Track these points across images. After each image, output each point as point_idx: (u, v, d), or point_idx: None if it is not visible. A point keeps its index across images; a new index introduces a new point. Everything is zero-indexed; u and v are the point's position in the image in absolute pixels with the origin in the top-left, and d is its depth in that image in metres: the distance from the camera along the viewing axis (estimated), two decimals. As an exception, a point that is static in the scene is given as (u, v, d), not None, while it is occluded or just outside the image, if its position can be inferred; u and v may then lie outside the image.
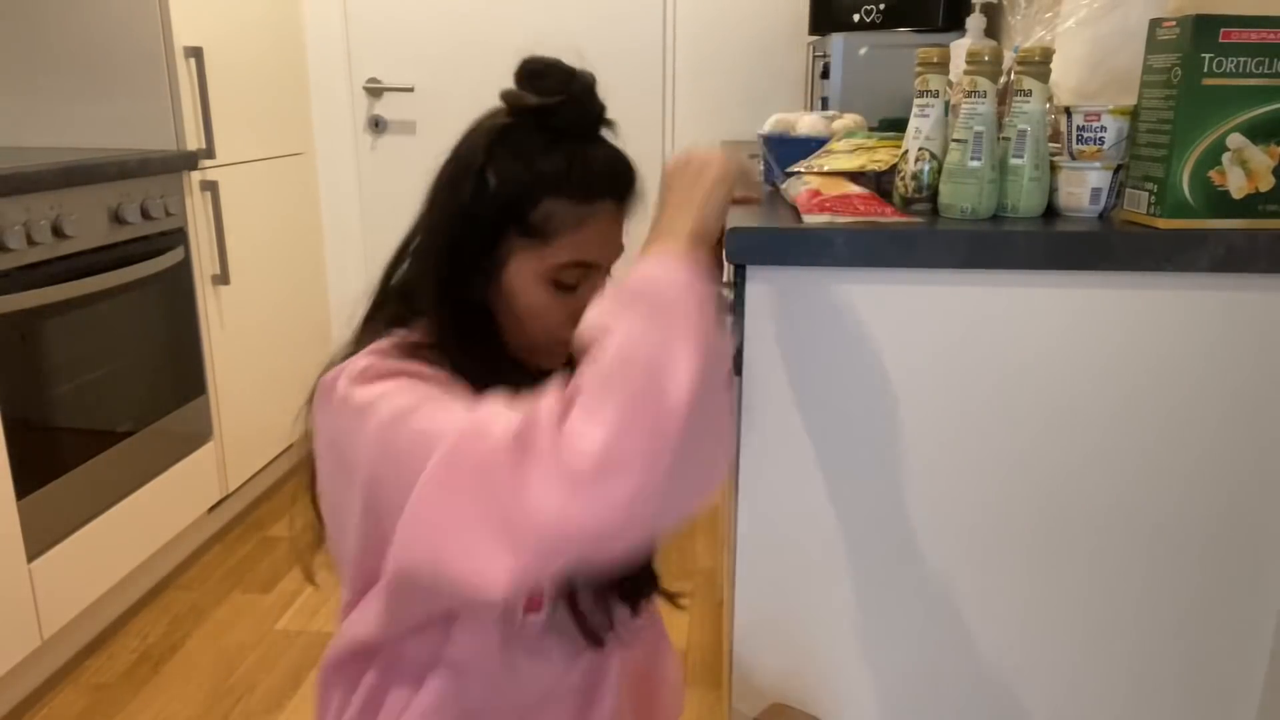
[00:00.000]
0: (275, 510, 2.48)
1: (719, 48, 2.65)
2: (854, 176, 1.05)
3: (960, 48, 1.06)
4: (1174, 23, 0.89)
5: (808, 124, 1.19)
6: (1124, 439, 0.96)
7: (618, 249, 0.88)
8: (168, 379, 2.06)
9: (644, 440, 0.61)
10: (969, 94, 0.94)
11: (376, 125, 2.76)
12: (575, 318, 0.83)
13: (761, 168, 1.26)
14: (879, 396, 0.96)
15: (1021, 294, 0.92)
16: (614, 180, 0.85)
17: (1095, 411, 0.96)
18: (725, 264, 1.00)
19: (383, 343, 0.83)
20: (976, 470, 0.98)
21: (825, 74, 1.99)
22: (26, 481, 1.64)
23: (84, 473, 1.79)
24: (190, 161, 2.10)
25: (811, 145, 1.14)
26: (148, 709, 1.72)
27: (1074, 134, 0.99)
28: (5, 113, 2.13)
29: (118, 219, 1.88)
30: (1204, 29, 0.87)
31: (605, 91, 0.84)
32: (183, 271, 2.09)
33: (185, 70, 2.09)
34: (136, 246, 1.93)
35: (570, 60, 0.83)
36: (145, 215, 1.95)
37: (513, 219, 0.82)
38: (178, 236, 2.07)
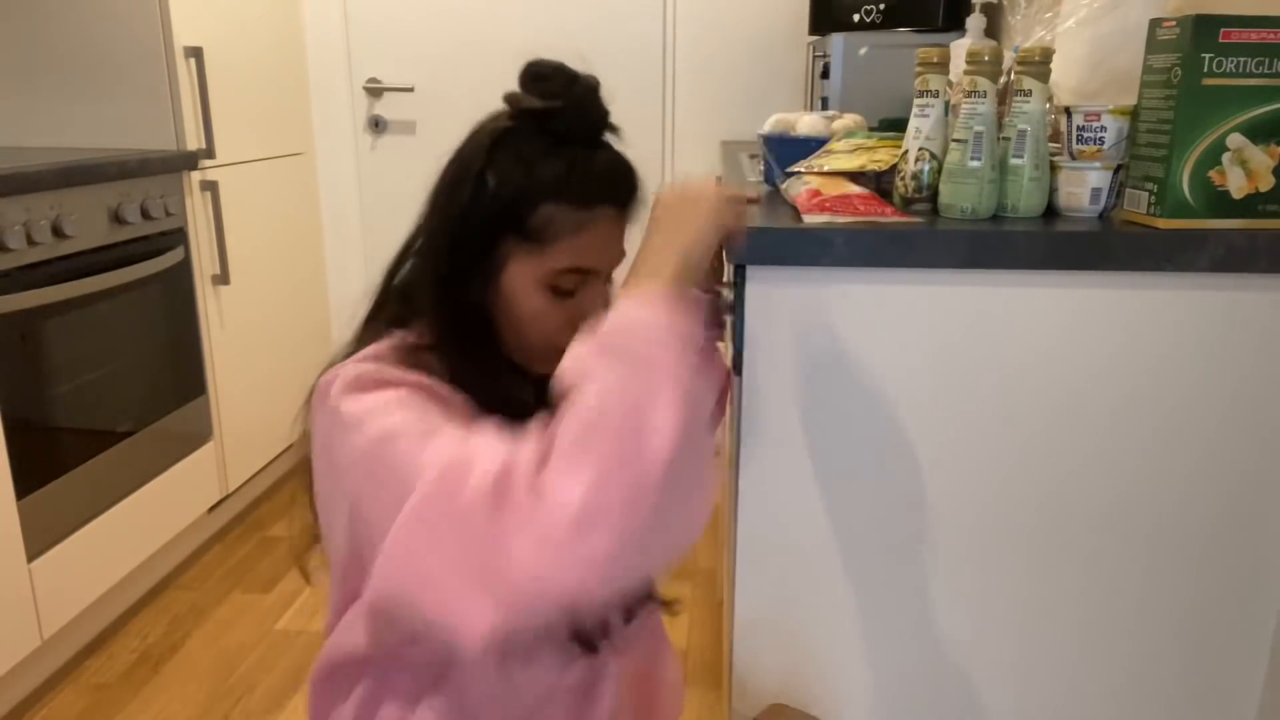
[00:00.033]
0: (275, 510, 2.48)
1: (719, 48, 2.65)
2: (854, 176, 1.05)
3: (960, 48, 1.06)
4: (1174, 23, 0.89)
5: (808, 124, 1.19)
6: (1124, 439, 0.96)
7: (618, 255, 0.88)
8: (168, 379, 2.06)
9: (622, 496, 0.60)
10: (969, 94, 0.94)
11: (376, 125, 2.76)
12: (574, 324, 0.82)
13: (761, 168, 1.26)
14: (879, 396, 0.96)
15: (1021, 294, 0.92)
16: (615, 186, 0.84)
17: (1095, 411, 0.96)
18: (725, 264, 1.00)
19: (381, 345, 0.84)
20: (976, 470, 0.98)
21: (825, 74, 1.99)
22: (26, 481, 1.64)
23: (84, 473, 1.79)
24: (190, 161, 2.10)
25: (811, 145, 1.14)
26: (148, 709, 1.72)
27: (1074, 134, 0.99)
28: (5, 113, 2.13)
29: (118, 219, 1.88)
30: (1204, 29, 0.87)
31: (605, 92, 0.84)
32: (183, 271, 2.09)
33: (185, 70, 2.09)
34: (136, 246, 1.93)
35: (574, 64, 0.83)
36: (145, 215, 1.95)
37: (511, 223, 0.81)
38: (178, 236, 2.07)
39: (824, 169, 1.07)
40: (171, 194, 2.04)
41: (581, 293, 0.85)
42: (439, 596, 0.62)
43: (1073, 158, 1.00)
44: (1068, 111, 1.00)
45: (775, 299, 0.94)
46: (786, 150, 1.15)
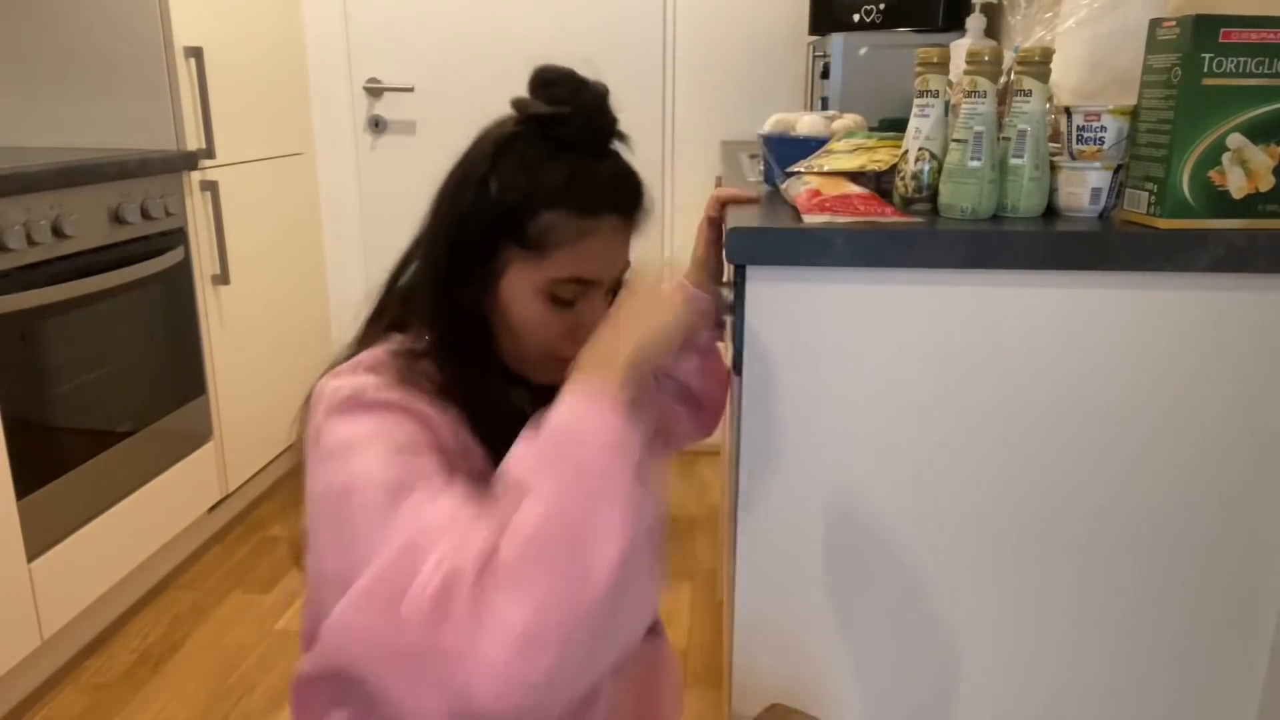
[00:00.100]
0: (275, 510, 2.48)
1: (719, 47, 2.65)
2: (854, 176, 1.05)
3: (960, 48, 1.06)
4: (1174, 23, 0.89)
5: (808, 124, 1.19)
6: (1124, 438, 0.96)
7: (620, 266, 0.87)
8: (168, 379, 2.07)
9: (564, 621, 0.60)
10: (969, 94, 0.94)
11: (376, 125, 2.76)
12: (572, 334, 0.82)
13: (761, 168, 1.26)
14: (879, 397, 0.96)
15: (1021, 294, 0.92)
16: (618, 195, 0.83)
17: (1095, 411, 0.96)
18: (725, 264, 1.00)
19: (380, 350, 0.83)
20: (976, 470, 0.98)
21: (825, 74, 1.99)
22: (26, 481, 1.64)
23: (84, 473, 1.79)
24: (190, 161, 2.10)
25: (811, 145, 1.14)
26: (148, 709, 1.72)
27: (1074, 134, 0.99)
28: (5, 113, 2.13)
29: (118, 219, 1.88)
30: (1204, 29, 0.87)
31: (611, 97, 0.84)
32: (183, 271, 2.09)
33: (185, 70, 2.09)
34: (136, 246, 1.93)
35: (583, 70, 0.82)
36: (145, 215, 1.95)
37: (511, 229, 0.81)
38: (178, 236, 2.07)
39: (824, 169, 1.07)
40: (171, 194, 2.04)
41: (581, 303, 0.84)
42: (391, 684, 0.63)
43: (1073, 158, 1.00)
44: (1068, 111, 1.00)
45: (775, 299, 0.94)
46: (786, 150, 1.15)
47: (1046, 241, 0.91)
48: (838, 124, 1.19)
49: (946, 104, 0.98)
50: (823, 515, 1.00)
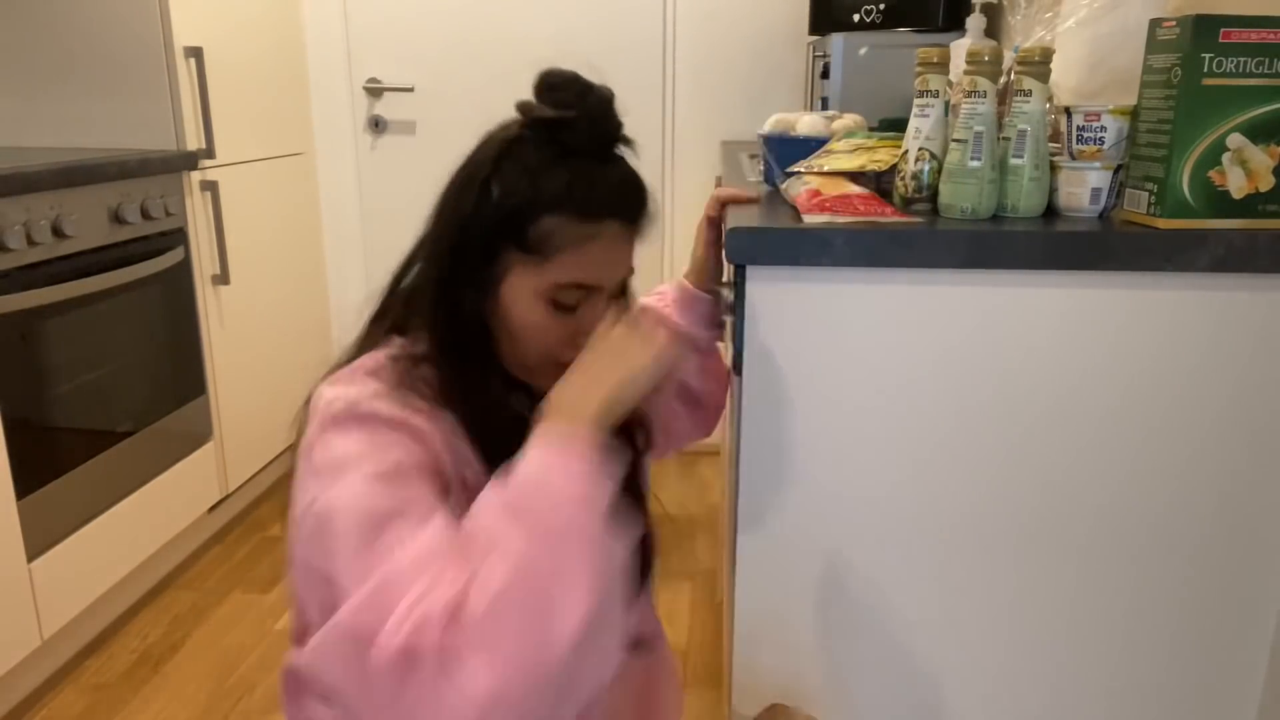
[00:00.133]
0: (275, 510, 2.48)
1: (719, 48, 2.65)
2: (854, 176, 1.05)
3: (960, 48, 1.06)
4: (1174, 23, 0.89)
5: (808, 124, 1.19)
6: (1124, 438, 0.96)
7: (623, 272, 0.86)
8: (168, 379, 2.07)
9: (527, 682, 0.62)
10: (969, 94, 0.94)
11: (376, 125, 2.76)
12: (573, 339, 0.82)
13: (761, 168, 1.26)
14: (878, 396, 0.96)
15: (1021, 294, 0.92)
16: (621, 201, 0.83)
17: (1095, 411, 0.96)
18: (725, 264, 1.00)
19: (380, 354, 0.83)
20: (976, 470, 0.98)
21: (825, 74, 1.99)
22: (26, 481, 1.64)
23: (84, 473, 1.79)
24: (190, 161, 2.10)
25: (811, 145, 1.14)
26: (148, 709, 1.72)
27: (1074, 134, 0.99)
28: (5, 113, 2.13)
29: (118, 219, 1.88)
30: (1204, 29, 0.87)
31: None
32: (183, 271, 2.09)
33: (185, 70, 2.09)
34: (136, 246, 1.93)
35: (587, 74, 0.81)
36: (145, 215, 1.95)
37: (512, 233, 0.80)
38: (178, 236, 2.07)
39: (824, 169, 1.07)
40: (171, 194, 2.04)
41: (583, 308, 0.83)
42: (366, 712, 0.65)
43: (1073, 158, 1.00)
44: (1068, 111, 1.00)
45: (775, 299, 0.94)
46: (786, 150, 1.15)
47: (1046, 241, 0.91)
48: (838, 124, 1.19)
49: (946, 104, 0.98)
50: (823, 515, 1.00)
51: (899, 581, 1.02)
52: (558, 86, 0.81)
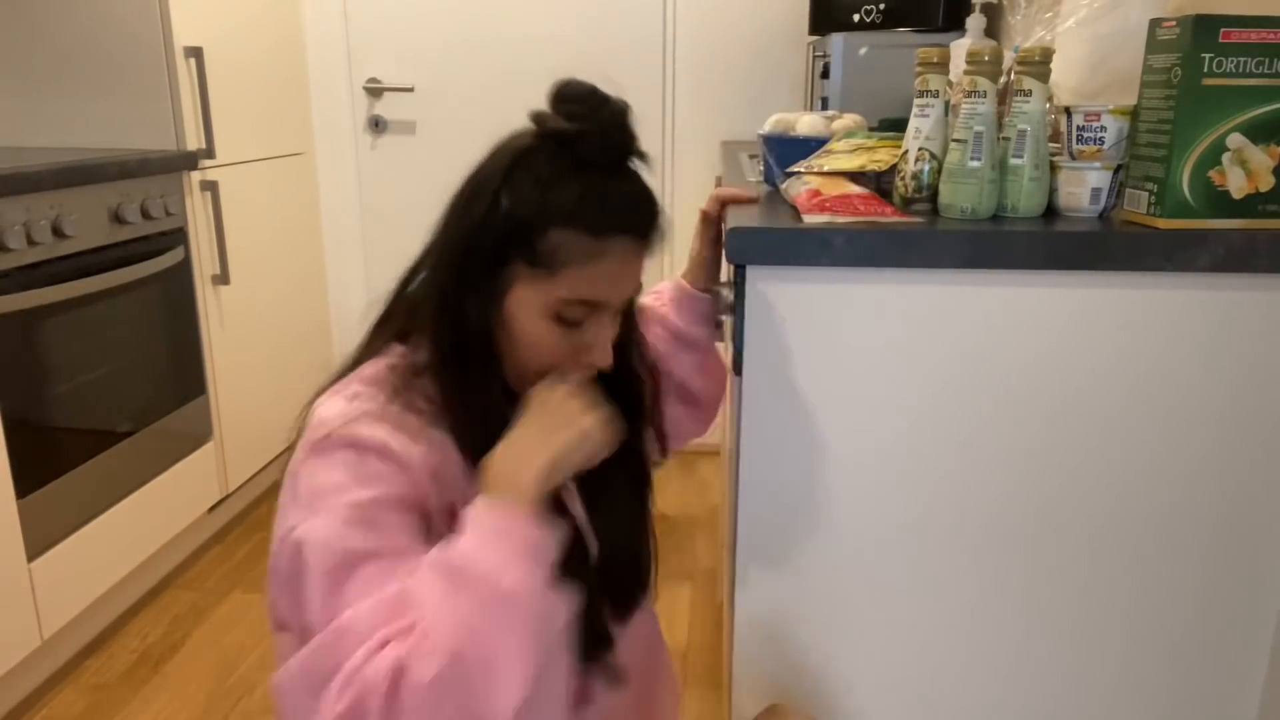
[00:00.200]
0: (275, 510, 2.48)
1: (719, 47, 2.65)
2: (854, 176, 1.05)
3: (960, 48, 1.06)
4: (1174, 23, 0.89)
5: (808, 124, 1.19)
6: (1124, 439, 0.96)
7: (631, 289, 0.85)
8: (168, 379, 2.07)
9: None
10: (969, 94, 0.94)
11: (376, 125, 2.76)
12: (576, 354, 0.82)
13: (761, 168, 1.26)
14: (879, 396, 0.96)
15: (1021, 294, 0.92)
16: (631, 218, 0.81)
17: (1095, 411, 0.96)
18: (725, 264, 1.00)
19: (380, 363, 0.83)
20: (976, 470, 0.98)
21: (825, 74, 1.99)
22: (26, 481, 1.64)
23: (84, 473, 1.79)
24: (190, 161, 2.10)
25: (811, 145, 1.14)
26: (148, 709, 1.72)
27: (1074, 134, 0.99)
28: (5, 113, 2.13)
29: (118, 219, 1.88)
30: (1204, 29, 0.87)
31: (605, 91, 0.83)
32: (183, 271, 2.09)
33: (185, 70, 2.09)
34: (136, 246, 1.93)
35: (606, 87, 0.80)
36: (145, 215, 1.95)
37: (519, 245, 0.79)
38: (178, 236, 2.07)
39: (824, 169, 1.07)
40: (171, 194, 2.04)
41: (588, 324, 0.82)
42: None
43: (1073, 158, 1.00)
44: (1068, 111, 1.00)
45: (775, 299, 0.94)
46: (786, 150, 1.15)
47: (1046, 241, 0.91)
48: (838, 124, 1.19)
49: (946, 104, 0.98)
50: (823, 515, 1.00)
51: (899, 581, 1.02)
52: (573, 98, 0.79)
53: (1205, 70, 0.88)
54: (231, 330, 2.28)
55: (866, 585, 1.02)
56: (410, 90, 2.71)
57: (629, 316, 0.92)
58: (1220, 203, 0.91)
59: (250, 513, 2.47)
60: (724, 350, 1.09)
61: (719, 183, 1.58)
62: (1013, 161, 0.96)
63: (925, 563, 1.01)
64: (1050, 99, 1.00)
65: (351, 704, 0.65)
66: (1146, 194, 0.94)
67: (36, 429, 1.69)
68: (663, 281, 1.08)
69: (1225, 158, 0.90)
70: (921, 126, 0.99)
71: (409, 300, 0.87)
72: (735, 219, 0.97)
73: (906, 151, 1.00)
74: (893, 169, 1.03)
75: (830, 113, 1.27)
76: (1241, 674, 1.03)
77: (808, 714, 1.05)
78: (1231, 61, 0.87)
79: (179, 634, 1.95)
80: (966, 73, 0.94)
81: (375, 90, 2.73)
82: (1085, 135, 0.98)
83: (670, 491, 2.56)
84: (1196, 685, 1.04)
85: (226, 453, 2.27)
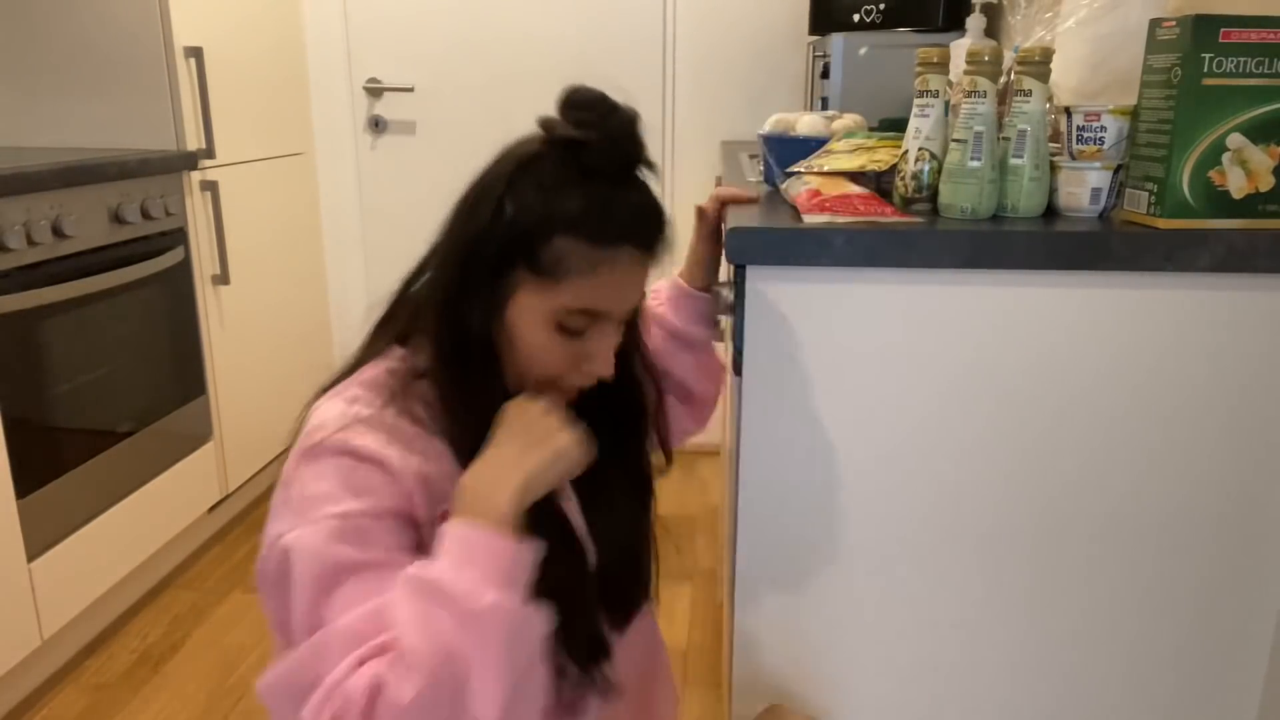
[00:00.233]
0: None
1: (719, 47, 2.65)
2: (854, 176, 1.05)
3: (960, 48, 1.06)
4: (1174, 23, 0.89)
5: (808, 124, 1.19)
6: (1124, 439, 0.96)
7: (634, 300, 0.85)
8: (168, 379, 2.07)
9: None
10: (969, 94, 0.94)
11: (376, 125, 2.76)
12: (577, 364, 0.82)
13: (761, 168, 1.26)
14: (879, 397, 0.96)
15: (1021, 294, 0.92)
16: (637, 228, 0.80)
17: (1095, 411, 0.96)
18: (725, 264, 1.00)
19: (379, 367, 0.83)
20: (977, 470, 0.98)
21: (825, 74, 1.99)
22: (26, 481, 1.64)
23: (84, 473, 1.79)
24: (190, 161, 2.10)
25: (811, 145, 1.14)
26: (148, 709, 1.72)
27: (1074, 134, 0.99)
28: (5, 113, 2.13)
29: (118, 219, 1.88)
30: (1204, 29, 0.87)
31: (606, 91, 0.82)
32: (183, 271, 2.09)
33: (185, 70, 2.09)
34: (136, 246, 1.94)
35: (616, 95, 0.79)
36: (145, 215, 1.95)
37: (523, 252, 0.78)
38: (178, 236, 2.07)
39: (824, 169, 1.07)
40: (171, 194, 2.04)
41: (590, 333, 0.82)
42: None
43: (1073, 158, 1.00)
44: (1068, 111, 1.00)
45: (775, 299, 0.94)
46: (786, 150, 1.15)
47: (1046, 241, 0.91)
48: (838, 124, 1.19)
49: (946, 104, 0.98)
50: (822, 515, 1.00)
51: (899, 581, 1.02)
52: (582, 105, 0.78)
53: (1205, 70, 0.88)
54: (231, 330, 2.28)
55: (866, 585, 1.02)
56: (410, 90, 2.71)
57: (633, 325, 0.91)
58: (1220, 203, 0.91)
59: (250, 513, 2.47)
60: (724, 350, 1.09)
61: (719, 183, 1.58)
62: (1013, 161, 0.96)
63: (925, 562, 1.01)
64: (1050, 99, 1.00)
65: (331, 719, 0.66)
66: (1146, 194, 0.94)
67: (36, 429, 1.69)
68: (660, 280, 1.08)
69: (1225, 158, 0.90)
70: (921, 126, 0.99)
71: (411, 302, 0.87)
72: (735, 219, 0.97)
73: (906, 151, 1.00)
74: (893, 169, 1.03)
75: (830, 113, 1.27)
76: (1241, 674, 1.03)
77: (808, 714, 1.05)
78: (1231, 61, 0.87)
79: (179, 634, 1.95)
80: (966, 73, 0.94)
81: (375, 90, 2.73)
82: (1085, 135, 0.98)
83: (670, 491, 2.55)
84: (1197, 685, 1.04)
85: (226, 453, 2.27)
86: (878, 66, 1.83)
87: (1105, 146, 0.97)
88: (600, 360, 0.83)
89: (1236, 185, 0.91)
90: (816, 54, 2.15)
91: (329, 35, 2.68)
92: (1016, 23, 1.31)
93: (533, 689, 0.78)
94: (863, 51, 1.85)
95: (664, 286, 1.06)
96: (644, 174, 0.82)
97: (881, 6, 2.00)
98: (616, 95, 0.80)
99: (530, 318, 0.80)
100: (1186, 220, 0.91)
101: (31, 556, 1.66)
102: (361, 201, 2.81)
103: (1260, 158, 0.90)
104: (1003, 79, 0.96)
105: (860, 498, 0.99)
